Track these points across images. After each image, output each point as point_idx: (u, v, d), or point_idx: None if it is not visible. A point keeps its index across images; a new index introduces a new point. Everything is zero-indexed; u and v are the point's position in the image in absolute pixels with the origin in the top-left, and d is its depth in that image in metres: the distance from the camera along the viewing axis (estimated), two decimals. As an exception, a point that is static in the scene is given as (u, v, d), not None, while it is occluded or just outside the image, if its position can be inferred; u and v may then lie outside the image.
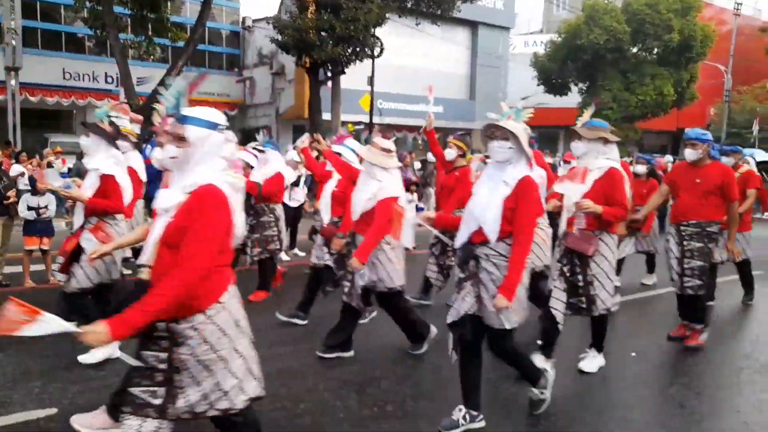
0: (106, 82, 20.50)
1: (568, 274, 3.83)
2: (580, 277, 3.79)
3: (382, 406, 3.51)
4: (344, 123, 19.70)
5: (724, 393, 4.00)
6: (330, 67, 16.43)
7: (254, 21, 23.92)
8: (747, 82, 30.34)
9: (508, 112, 3.14)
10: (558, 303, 3.84)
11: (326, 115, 17.77)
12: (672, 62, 23.49)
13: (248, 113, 24.72)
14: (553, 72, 25.14)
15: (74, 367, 3.88)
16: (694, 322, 4.74)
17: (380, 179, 3.89)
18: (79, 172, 9.16)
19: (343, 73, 16.85)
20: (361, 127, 20.95)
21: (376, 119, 19.89)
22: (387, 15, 15.67)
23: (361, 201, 4.00)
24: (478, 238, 3.03)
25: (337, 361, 4.19)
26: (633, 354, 4.63)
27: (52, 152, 11.79)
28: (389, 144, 4.03)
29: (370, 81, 18.78)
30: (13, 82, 12.83)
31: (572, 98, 26.19)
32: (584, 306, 3.83)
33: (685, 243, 4.60)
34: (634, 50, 23.95)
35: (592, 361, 4.13)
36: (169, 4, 15.98)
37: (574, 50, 23.65)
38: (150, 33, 15.86)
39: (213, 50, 24.20)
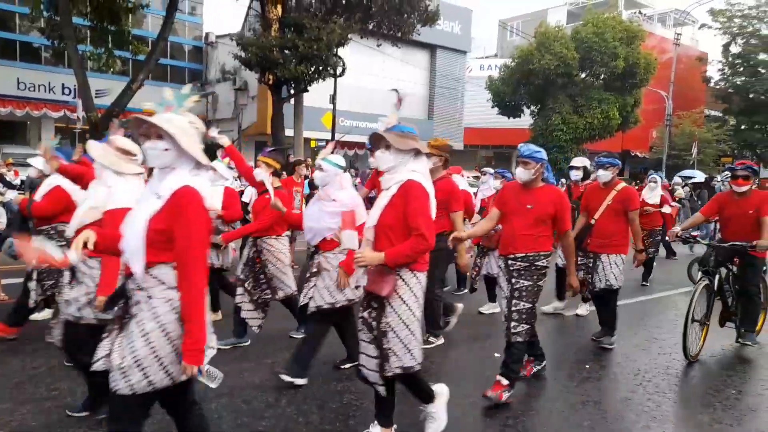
0: (63, 93, 20.22)
1: (372, 322, 2.97)
2: (374, 324, 2.95)
3: (344, 420, 3.49)
4: (306, 140, 20.03)
5: None
6: (293, 85, 16.72)
7: (218, 37, 24.07)
8: (686, 108, 32.38)
9: (168, 101, 2.31)
10: (368, 361, 3.00)
11: (289, 132, 18.02)
12: (617, 88, 24.89)
13: (210, 129, 24.67)
14: (506, 94, 26.18)
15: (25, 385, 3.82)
16: (505, 374, 3.86)
17: (110, 185, 3.11)
18: (32, 185, 9.11)
19: (306, 90, 17.16)
20: (323, 144, 21.31)
21: (344, 137, 20.26)
22: (349, 35, 16.13)
23: (81, 212, 3.34)
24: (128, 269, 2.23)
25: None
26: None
27: (4, 164, 11.55)
28: (131, 145, 3.18)
29: (332, 99, 19.18)
30: (-34, 91, 12.53)
31: (525, 120, 27.33)
32: (377, 363, 2.94)
33: (513, 281, 3.84)
34: (582, 76, 25.27)
35: None
36: (130, 17, 16.00)
37: (527, 74, 24.73)
38: (110, 45, 15.83)
39: (175, 64, 24.16)
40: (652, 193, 8.66)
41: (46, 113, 19.99)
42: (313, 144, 21.39)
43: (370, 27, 17.40)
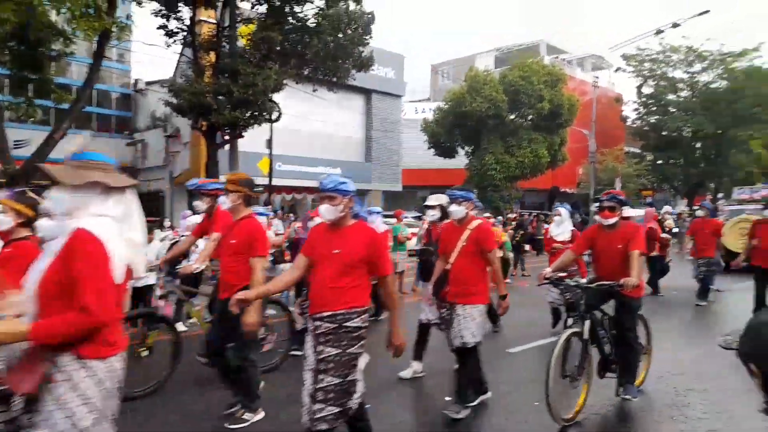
0: (-23, 144, 18.94)
1: None
2: None
3: None
4: (243, 185, 19.57)
5: None
6: (228, 130, 16.44)
7: (147, 83, 23.49)
8: (608, 145, 34.42)
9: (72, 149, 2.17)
10: None
11: (224, 178, 17.55)
12: (545, 128, 26.15)
13: (140, 177, 23.78)
14: (441, 136, 26.91)
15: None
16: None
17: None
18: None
19: (242, 136, 16.90)
20: (260, 189, 20.94)
21: (281, 181, 20.02)
22: (285, 81, 16.15)
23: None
24: None
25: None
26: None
27: None
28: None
29: (269, 144, 18.98)
30: None
31: (460, 160, 28.10)
32: None
33: (318, 348, 3.08)
34: (512, 117, 26.41)
35: None
36: (53, 65, 15.34)
37: (460, 117, 25.59)
38: (31, 94, 15.05)
39: (101, 112, 23.30)
40: (560, 228, 7.57)
41: (-43, 165, 18.61)
42: (250, 190, 20.91)
43: (306, 73, 17.51)
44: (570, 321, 4.55)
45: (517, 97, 25.19)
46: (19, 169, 13.12)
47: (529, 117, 26.23)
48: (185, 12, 16.51)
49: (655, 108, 35.29)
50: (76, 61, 16.48)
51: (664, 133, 34.55)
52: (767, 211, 8.13)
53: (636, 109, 36.90)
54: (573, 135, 29.21)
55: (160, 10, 16.05)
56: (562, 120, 26.14)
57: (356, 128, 28.20)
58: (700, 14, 23.60)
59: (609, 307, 4.69)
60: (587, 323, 4.34)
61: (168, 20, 16.34)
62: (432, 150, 27.89)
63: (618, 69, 36.85)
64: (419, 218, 14.86)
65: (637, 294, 4.49)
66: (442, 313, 4.62)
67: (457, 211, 4.55)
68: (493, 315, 7.18)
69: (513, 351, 6.54)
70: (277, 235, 9.86)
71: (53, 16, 12.57)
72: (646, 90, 35.29)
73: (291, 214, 16.42)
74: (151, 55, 64.39)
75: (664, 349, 5.93)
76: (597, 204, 4.83)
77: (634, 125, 36.99)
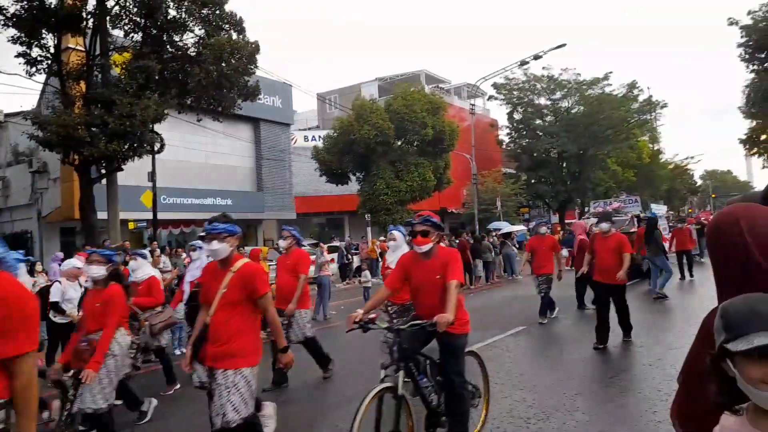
0: None
1: None
2: None
3: None
4: (124, 221, 18.38)
5: None
6: (104, 164, 15.42)
7: (7, 116, 21.43)
8: (487, 167, 36.84)
9: None
10: None
11: (102, 215, 16.39)
12: (429, 153, 27.42)
13: (2, 216, 21.47)
14: (332, 163, 27.23)
15: None
16: None
17: None
18: None
19: (120, 169, 15.91)
20: (144, 224, 19.77)
21: (167, 215, 19.02)
22: (166, 111, 15.53)
23: None
24: None
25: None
26: None
27: None
28: None
29: (151, 177, 18.06)
30: None
31: (352, 186, 28.56)
32: None
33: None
34: (399, 143, 27.41)
35: None
36: None
37: (349, 144, 26.11)
38: None
39: (-50, 148, 20.85)
40: (395, 254, 6.04)
41: None
42: (131, 226, 19.71)
43: (189, 102, 16.98)
44: (383, 373, 3.61)
45: (402, 124, 26.23)
46: None
47: (415, 143, 27.38)
48: (49, 39, 15.39)
49: (525, 132, 38.47)
50: None
51: (534, 154, 37.69)
52: (603, 225, 7.67)
53: (509, 134, 39.98)
54: (455, 159, 30.90)
55: (19, 37, 14.81)
56: (445, 145, 27.57)
57: (246, 157, 27.69)
58: (558, 47, 26.31)
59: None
60: (400, 374, 3.60)
61: (30, 48, 15.11)
62: (324, 177, 28.09)
63: (491, 97, 39.82)
64: (316, 245, 14.84)
65: (461, 331, 3.90)
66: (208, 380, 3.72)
67: (219, 249, 3.54)
68: (322, 358, 6.60)
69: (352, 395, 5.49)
70: (163, 272, 9.37)
71: None
72: (517, 116, 38.40)
73: (179, 249, 15.63)
74: (11, 85, 58.74)
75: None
76: (409, 228, 4.31)
77: (509, 148, 39.99)
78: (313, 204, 32.08)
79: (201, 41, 16.13)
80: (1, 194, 21.33)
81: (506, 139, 40.62)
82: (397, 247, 6.23)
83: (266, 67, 60.09)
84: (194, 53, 16.03)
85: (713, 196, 69.68)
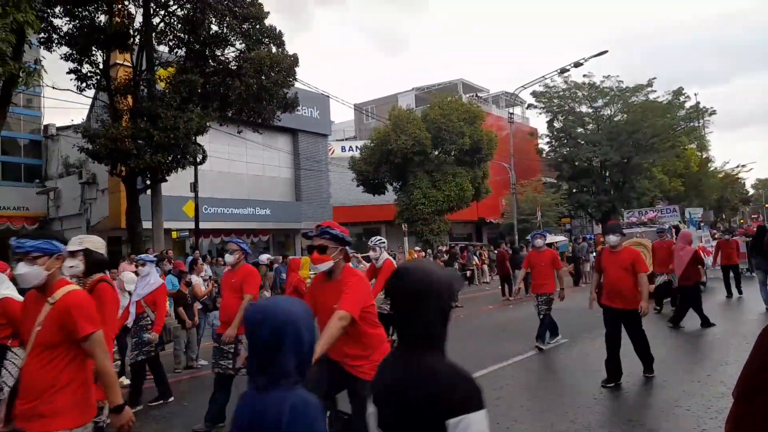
0: None
1: None
2: None
3: None
4: (168, 231, 18.90)
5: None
6: (149, 175, 15.92)
7: (59, 129, 22.41)
8: (526, 177, 36.24)
9: None
10: None
11: (146, 224, 16.91)
12: (467, 162, 27.18)
13: (54, 226, 22.40)
14: (369, 173, 27.34)
15: None
16: None
17: None
18: None
19: (164, 180, 16.41)
20: (186, 234, 20.26)
21: (208, 224, 19.48)
22: (208, 123, 15.93)
23: None
24: None
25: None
26: None
27: None
28: None
29: (194, 187, 18.52)
30: None
31: (389, 196, 28.59)
32: None
33: None
34: (436, 153, 27.29)
35: None
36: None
37: (386, 154, 26.15)
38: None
39: (9, 161, 21.93)
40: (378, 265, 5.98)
41: None
42: (174, 235, 20.24)
43: (230, 114, 17.39)
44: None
45: (440, 134, 26.11)
46: None
47: (452, 152, 27.20)
48: (99, 56, 16.06)
49: (566, 140, 37.71)
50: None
51: (576, 163, 36.89)
52: (611, 237, 6.40)
53: (549, 142, 39.27)
54: (494, 168, 30.52)
55: (71, 54, 15.50)
56: (482, 154, 27.28)
57: (284, 168, 28.12)
58: (600, 54, 25.76)
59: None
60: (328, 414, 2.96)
61: (81, 64, 15.80)
62: (361, 187, 28.22)
63: (530, 106, 39.24)
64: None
65: (368, 373, 2.99)
66: None
67: (26, 274, 2.67)
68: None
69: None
70: (205, 281, 9.56)
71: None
72: (557, 124, 37.70)
73: (220, 258, 15.93)
74: (63, 100, 61.49)
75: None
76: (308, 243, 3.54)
77: (549, 157, 39.27)
78: (351, 214, 32.23)
79: (241, 55, 16.51)
80: (53, 204, 22.26)
81: (546, 148, 39.93)
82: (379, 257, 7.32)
83: (305, 79, 61.37)
84: (235, 67, 16.42)
85: (767, 205, 66.68)
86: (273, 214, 25.50)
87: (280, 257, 17.53)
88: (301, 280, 9.83)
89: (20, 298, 4.06)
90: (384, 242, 7.48)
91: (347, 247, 3.33)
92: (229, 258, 5.57)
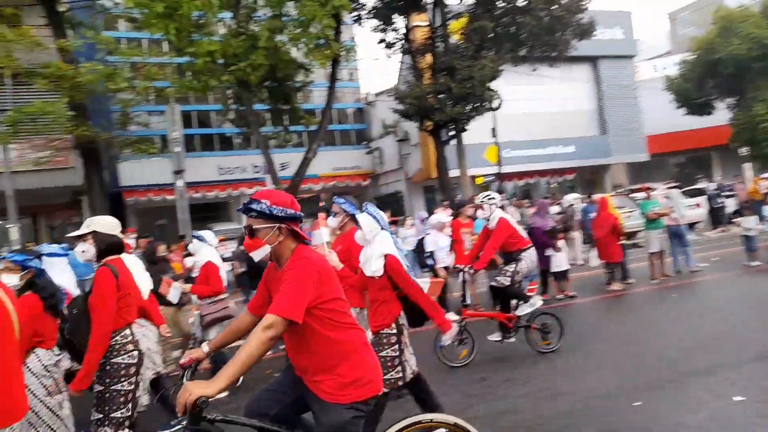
0: (253, 171, 22.85)
1: None
2: None
3: None
4: (473, 177, 19.83)
5: None
6: (452, 126, 16.82)
7: (376, 95, 25.45)
8: None
9: None
10: None
11: (454, 172, 18.03)
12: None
13: (380, 181, 25.89)
14: (691, 92, 23.29)
15: None
16: None
17: None
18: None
19: (465, 130, 17.12)
20: (491, 178, 20.90)
21: (510, 167, 19.79)
22: (501, 67, 15.84)
23: None
24: None
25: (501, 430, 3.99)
26: None
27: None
28: None
29: (494, 133, 18.83)
30: (179, 183, 14.76)
31: (719, 116, 23.93)
32: None
33: None
34: (786, 53, 21.45)
35: None
36: (299, 94, 17.64)
37: (711, 66, 21.82)
38: (286, 123, 17.55)
39: (341, 128, 26.03)
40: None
41: (242, 192, 22.72)
42: (479, 181, 21.09)
43: (522, 53, 16.90)
44: None
45: (791, 29, 20.37)
46: (286, 188, 15.41)
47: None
48: (400, 22, 17.42)
49: None
50: (316, 87, 18.64)
51: None
52: None
53: None
54: None
55: (378, 25, 17.21)
56: None
57: (586, 100, 26.12)
58: None
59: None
60: None
61: (385, 33, 17.45)
62: (681, 110, 24.32)
63: None
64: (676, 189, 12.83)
65: (337, 398, 2.25)
66: None
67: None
68: None
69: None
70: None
71: (293, 53, 14.42)
72: None
73: (525, 200, 15.93)
74: (376, 68, 69.90)
75: None
76: None
77: None
78: (670, 142, 28.06)
79: (530, -12, 15.72)
80: (378, 162, 25.65)
81: None
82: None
83: (603, -3, 55.22)
84: (524, 3, 15.75)
85: None
86: (577, 152, 24.14)
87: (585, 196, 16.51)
88: (617, 219, 9.10)
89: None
90: (495, 198, 6.11)
91: (297, 222, 2.34)
92: (332, 221, 4.66)
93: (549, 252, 8.77)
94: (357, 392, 2.22)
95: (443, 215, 8.79)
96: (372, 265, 3.59)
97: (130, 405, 3.16)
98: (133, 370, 3.21)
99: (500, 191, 18.28)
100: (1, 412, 2.12)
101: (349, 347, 2.25)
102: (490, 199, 6.02)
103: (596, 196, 10.90)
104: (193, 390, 1.97)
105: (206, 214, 22.54)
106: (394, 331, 3.57)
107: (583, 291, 9.13)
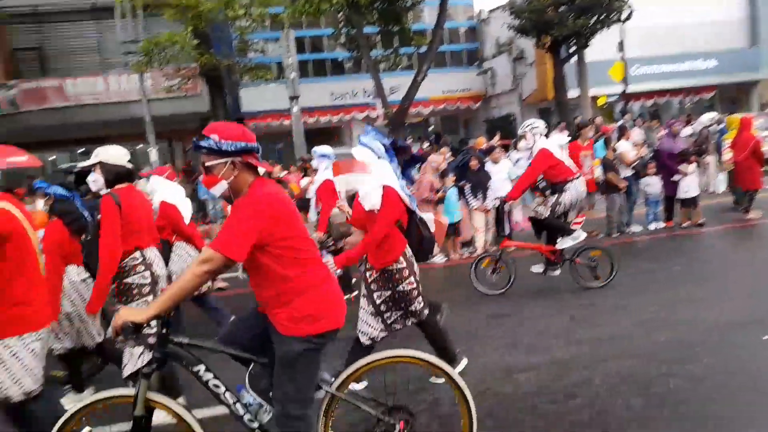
0: (364, 96, 23.02)
1: None
2: None
3: (675, 408, 3.09)
4: (594, 98, 18.40)
5: None
6: (573, 42, 15.56)
7: (490, 11, 24.07)
8: None
9: None
10: None
11: (573, 93, 16.86)
12: None
13: (491, 103, 24.98)
14: None
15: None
16: None
17: None
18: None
19: (587, 45, 15.77)
20: (616, 97, 19.29)
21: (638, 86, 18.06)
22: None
23: None
24: None
25: (611, 354, 3.90)
26: None
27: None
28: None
29: (620, 47, 17.17)
30: (295, 108, 15.30)
31: None
32: None
33: None
34: None
35: None
36: (410, 14, 17.10)
37: None
38: (396, 45, 17.22)
39: (452, 49, 25.14)
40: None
41: (353, 116, 23.11)
42: (601, 101, 19.54)
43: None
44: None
45: None
46: (395, 111, 15.40)
47: None
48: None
49: None
50: (427, 4, 17.95)
51: None
52: None
53: None
54: None
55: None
56: None
57: (733, 7, 22.66)
58: None
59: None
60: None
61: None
62: None
63: None
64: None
65: (292, 331, 2.28)
66: None
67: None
68: None
69: None
70: (636, 146, 8.84)
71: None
72: None
73: (655, 120, 14.54)
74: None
75: None
76: None
77: None
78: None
79: None
80: (490, 83, 24.61)
81: None
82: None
83: None
84: None
85: None
86: (719, 66, 21.36)
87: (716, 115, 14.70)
88: (758, 141, 8.19)
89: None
90: (537, 126, 5.62)
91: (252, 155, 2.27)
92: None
93: (676, 177, 8.12)
94: (310, 327, 2.27)
95: (562, 137, 8.33)
96: (372, 198, 3.39)
97: None
98: (146, 289, 3.35)
99: (624, 112, 16.87)
100: (21, 318, 2.50)
101: (304, 283, 2.27)
102: (533, 128, 5.65)
103: (735, 116, 9.75)
104: (123, 315, 2.12)
105: (320, 138, 23.31)
106: (404, 264, 3.40)
107: (712, 219, 8.44)
